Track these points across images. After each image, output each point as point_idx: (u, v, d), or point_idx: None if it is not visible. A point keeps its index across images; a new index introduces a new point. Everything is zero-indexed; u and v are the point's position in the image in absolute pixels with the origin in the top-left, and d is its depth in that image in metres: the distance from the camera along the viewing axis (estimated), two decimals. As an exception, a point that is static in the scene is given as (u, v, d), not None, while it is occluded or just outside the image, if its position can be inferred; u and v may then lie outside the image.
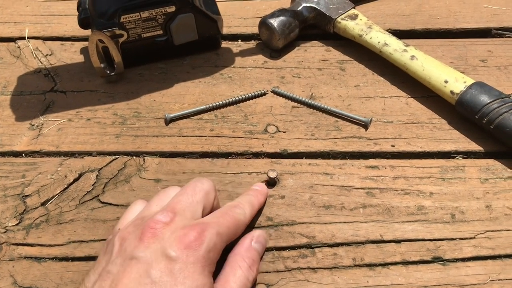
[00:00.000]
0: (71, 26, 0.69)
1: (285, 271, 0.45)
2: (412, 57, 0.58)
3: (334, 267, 0.45)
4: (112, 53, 0.59)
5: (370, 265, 0.45)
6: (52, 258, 0.46)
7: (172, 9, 0.58)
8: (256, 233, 0.45)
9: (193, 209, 0.41)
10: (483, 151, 0.53)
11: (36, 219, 0.49)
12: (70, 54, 0.66)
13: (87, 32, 0.65)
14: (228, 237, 0.41)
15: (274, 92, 0.60)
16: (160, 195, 0.44)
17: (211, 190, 0.44)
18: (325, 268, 0.45)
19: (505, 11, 0.68)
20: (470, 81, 0.54)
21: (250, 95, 0.59)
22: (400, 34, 0.64)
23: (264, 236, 0.45)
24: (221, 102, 0.58)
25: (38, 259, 0.46)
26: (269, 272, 0.45)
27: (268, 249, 0.46)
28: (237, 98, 0.58)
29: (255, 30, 0.66)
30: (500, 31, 0.66)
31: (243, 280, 0.40)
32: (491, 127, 0.51)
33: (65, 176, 0.52)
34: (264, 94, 0.59)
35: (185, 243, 0.38)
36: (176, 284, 0.36)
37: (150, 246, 0.37)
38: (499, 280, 0.43)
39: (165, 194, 0.44)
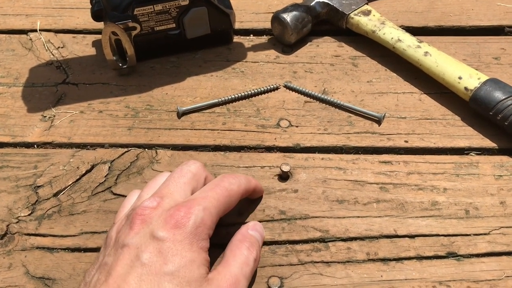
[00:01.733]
0: (83, 19, 0.69)
1: (299, 264, 0.44)
2: (426, 53, 0.57)
3: (348, 261, 0.44)
4: (125, 46, 0.59)
5: (384, 260, 0.44)
6: (65, 249, 0.46)
7: (185, 2, 0.58)
8: (250, 223, 0.45)
9: (181, 191, 0.42)
10: (497, 147, 0.53)
11: (48, 209, 0.49)
12: (82, 47, 0.66)
13: (99, 25, 0.65)
14: (218, 209, 0.41)
15: (286, 86, 0.60)
16: (150, 183, 0.45)
17: (199, 171, 0.44)
18: (338, 262, 0.44)
19: (518, 9, 0.68)
20: (484, 77, 0.54)
21: (262, 89, 0.59)
22: (413, 31, 0.64)
23: (259, 224, 0.45)
24: (233, 96, 0.58)
25: (50, 249, 0.46)
26: (283, 265, 0.44)
27: (281, 243, 0.46)
28: (249, 92, 0.58)
29: (267, 25, 0.66)
30: (513, 29, 0.65)
31: (243, 259, 0.41)
32: (506, 123, 0.51)
33: (77, 167, 0.52)
34: (277, 88, 0.59)
35: (172, 223, 0.38)
36: (166, 263, 0.37)
37: (140, 232, 0.39)
38: (514, 276, 0.43)
39: (155, 181, 0.45)
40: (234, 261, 0.40)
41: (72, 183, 0.51)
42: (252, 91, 0.58)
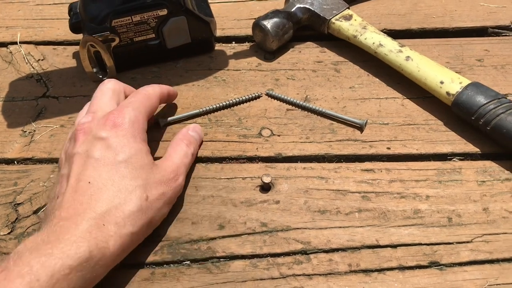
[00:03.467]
0: (64, 30, 0.69)
1: (280, 278, 0.44)
2: (407, 57, 0.57)
3: (330, 273, 0.44)
4: (104, 58, 0.58)
5: (366, 271, 0.44)
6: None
7: (164, 12, 0.58)
8: (191, 125, 0.54)
9: (108, 104, 0.49)
10: (480, 152, 0.52)
11: (28, 227, 0.48)
12: (63, 59, 0.65)
13: (80, 36, 0.64)
14: (145, 109, 0.49)
15: (268, 95, 0.59)
16: (80, 111, 0.53)
17: (116, 86, 0.52)
18: (320, 275, 0.44)
19: (501, 9, 0.67)
20: (466, 81, 0.54)
21: (244, 98, 0.58)
22: (396, 34, 0.64)
23: (198, 127, 0.54)
24: (215, 106, 0.57)
25: (30, 268, 0.46)
26: (264, 279, 0.44)
27: (263, 256, 0.45)
28: (231, 101, 0.58)
29: (249, 32, 0.65)
30: (496, 30, 0.65)
31: (182, 153, 0.49)
32: (488, 128, 0.51)
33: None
34: (259, 97, 0.59)
35: (110, 124, 0.46)
36: (117, 154, 0.44)
37: (84, 141, 0.46)
38: (497, 285, 0.43)
39: (83, 110, 0.53)
40: (175, 153, 0.49)
41: (52, 199, 0.50)
42: (234, 100, 0.58)
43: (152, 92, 0.52)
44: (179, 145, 0.50)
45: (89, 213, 0.41)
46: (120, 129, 0.46)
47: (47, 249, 0.38)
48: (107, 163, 0.44)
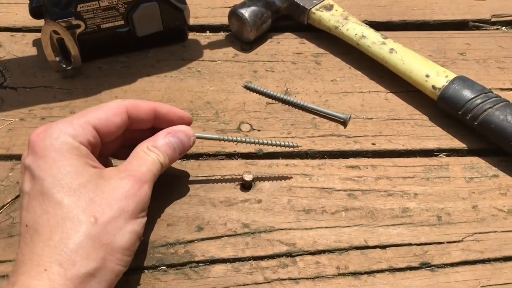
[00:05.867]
0: (22, 16, 0.63)
1: (265, 282, 0.41)
2: (391, 50, 0.55)
3: (317, 277, 0.41)
4: (68, 46, 0.53)
5: (355, 274, 0.42)
6: (3, 276, 0.41)
7: (134, -3, 0.53)
8: (175, 128, 0.44)
9: None
10: (467, 148, 0.51)
11: (-16, 231, 0.44)
12: (22, 47, 0.60)
13: (41, 22, 0.59)
14: (84, 119, 0.40)
15: (246, 87, 0.56)
16: None
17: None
18: (307, 278, 0.41)
19: (481, 2, 0.66)
20: (452, 75, 0.52)
21: (280, 143, 0.48)
22: (376, 26, 0.61)
23: (185, 133, 0.44)
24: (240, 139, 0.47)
25: (-14, 277, 0.41)
26: (247, 284, 0.41)
27: (245, 259, 0.42)
28: (266, 141, 0.48)
29: (224, 20, 0.62)
30: (477, 24, 0.64)
31: (149, 161, 0.41)
32: (475, 123, 0.49)
33: (17, 182, 0.47)
34: (297, 146, 0.48)
35: (30, 148, 0.38)
36: (44, 180, 0.37)
37: (21, 175, 0.40)
38: (489, 285, 0.41)
39: None
40: (138, 159, 0.41)
41: (11, 200, 0.46)
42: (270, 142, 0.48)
43: (111, 104, 0.42)
44: (146, 151, 0.41)
45: (34, 264, 0.34)
46: (39, 150, 0.38)
47: None
48: (37, 195, 0.36)
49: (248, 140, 0.47)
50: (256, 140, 0.47)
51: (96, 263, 0.35)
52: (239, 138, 0.47)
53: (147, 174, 0.40)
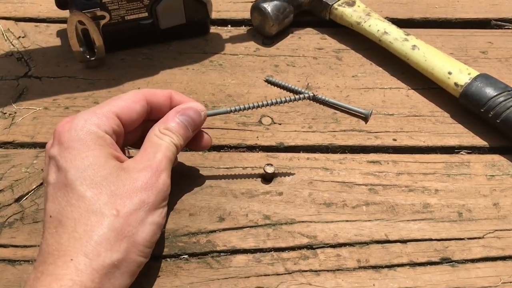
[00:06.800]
0: (46, 7, 0.64)
1: (286, 273, 0.41)
2: (414, 46, 0.55)
3: (338, 269, 0.42)
4: (93, 36, 0.54)
5: (375, 267, 0.42)
6: (28, 261, 0.42)
7: (159, -11, 0.54)
8: (182, 107, 0.43)
9: None
10: (488, 146, 0.51)
11: (10, 217, 0.44)
12: (45, 37, 0.61)
13: (64, 13, 0.60)
14: (107, 108, 0.40)
15: (268, 81, 0.56)
16: None
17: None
18: (328, 271, 0.42)
19: (503, 1, 0.66)
20: (474, 72, 0.52)
21: (286, 99, 0.46)
22: (398, 23, 0.61)
23: (195, 108, 0.43)
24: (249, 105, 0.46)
25: (12, 261, 0.42)
26: (268, 275, 0.41)
27: (267, 250, 0.43)
28: (273, 101, 0.46)
29: (246, 15, 0.62)
30: (499, 22, 0.63)
31: (163, 145, 0.40)
32: (498, 121, 0.49)
33: (42, 169, 0.47)
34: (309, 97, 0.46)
35: (56, 139, 0.39)
36: (68, 171, 0.37)
37: (45, 165, 0.40)
38: (511, 282, 0.41)
39: None
40: (152, 147, 0.40)
41: (36, 187, 0.46)
42: (275, 100, 0.46)
43: (130, 93, 0.42)
44: (159, 135, 0.41)
45: (61, 255, 0.35)
46: (64, 140, 0.38)
47: None
48: (61, 187, 0.37)
49: (256, 104, 0.45)
50: (265, 102, 0.46)
51: (119, 255, 0.35)
52: (247, 105, 0.46)
53: (163, 161, 0.40)
